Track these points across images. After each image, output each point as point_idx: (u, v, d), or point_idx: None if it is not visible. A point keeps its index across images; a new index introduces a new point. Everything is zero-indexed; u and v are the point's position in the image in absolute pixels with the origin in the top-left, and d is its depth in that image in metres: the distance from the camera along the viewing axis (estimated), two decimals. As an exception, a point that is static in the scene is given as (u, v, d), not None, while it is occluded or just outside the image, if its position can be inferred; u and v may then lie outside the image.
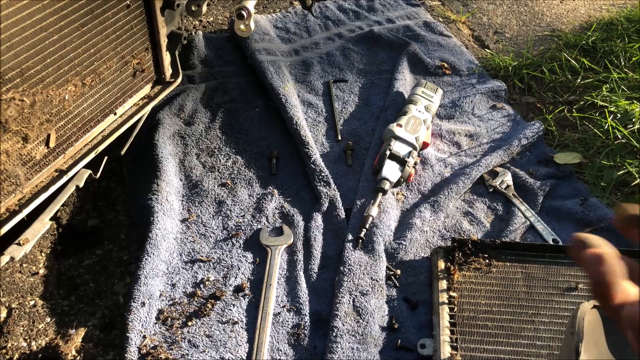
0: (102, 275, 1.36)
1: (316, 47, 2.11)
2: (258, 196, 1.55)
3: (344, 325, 1.22)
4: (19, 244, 1.04)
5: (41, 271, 1.34)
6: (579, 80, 1.95)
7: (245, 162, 1.64)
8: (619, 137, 1.69)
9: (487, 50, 2.17)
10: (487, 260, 1.34)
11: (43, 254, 1.36)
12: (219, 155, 1.66)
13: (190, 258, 1.38)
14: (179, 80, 1.35)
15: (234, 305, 1.27)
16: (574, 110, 1.85)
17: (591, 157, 1.68)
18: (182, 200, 1.52)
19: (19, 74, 0.95)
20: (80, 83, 1.09)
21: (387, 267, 1.37)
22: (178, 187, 1.55)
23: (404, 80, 1.93)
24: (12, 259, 1.02)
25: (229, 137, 1.72)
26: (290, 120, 1.71)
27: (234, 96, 1.86)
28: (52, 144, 1.07)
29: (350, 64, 2.03)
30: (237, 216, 1.49)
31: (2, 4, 0.88)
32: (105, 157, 1.22)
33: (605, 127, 1.72)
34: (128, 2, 1.15)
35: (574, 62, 2.01)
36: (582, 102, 1.87)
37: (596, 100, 1.84)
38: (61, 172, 1.10)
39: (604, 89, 1.87)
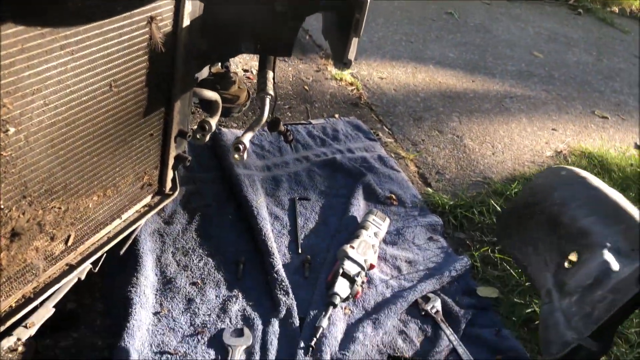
0: (77, 358, 1.49)
1: (286, 166, 2.42)
2: (224, 297, 1.75)
3: None
4: (25, 327, 1.20)
5: (20, 348, 1.46)
6: (501, 225, 2.33)
7: (215, 265, 1.86)
8: (529, 279, 2.04)
9: (429, 187, 2.54)
10: (415, 377, 1.59)
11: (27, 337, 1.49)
12: (193, 256, 1.86)
13: (159, 349, 1.54)
14: (177, 193, 1.59)
15: (196, 398, 1.43)
16: (496, 250, 2.20)
17: (507, 293, 2.01)
18: (156, 294, 1.70)
19: (62, 188, 1.17)
20: (102, 194, 1.31)
21: (331, 375, 1.58)
22: (154, 281, 1.73)
23: (358, 206, 2.24)
24: (18, 339, 1.17)
25: (202, 239, 1.94)
26: (260, 232, 1.95)
27: (209, 202, 2.11)
28: (70, 243, 1.27)
29: (314, 185, 2.34)
30: (203, 314, 1.68)
31: (67, 136, 1.12)
32: (105, 254, 1.42)
33: (519, 270, 2.07)
34: (152, 132, 1.41)
35: (499, 208, 2.40)
36: (502, 244, 2.24)
37: (514, 245, 2.20)
38: (71, 267, 1.29)
39: (520, 235, 2.25)
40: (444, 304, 1.90)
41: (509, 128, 3.21)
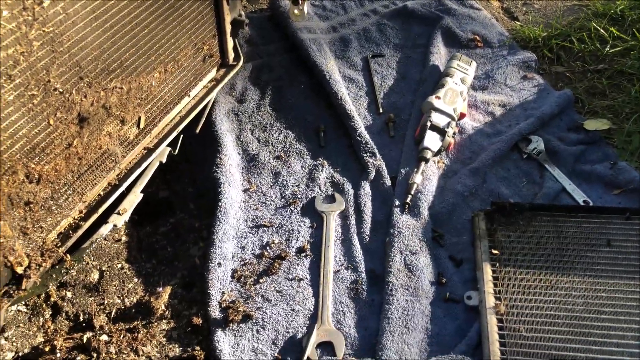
0: (177, 240, 1.52)
1: (353, 23, 2.21)
2: (310, 167, 1.68)
3: (397, 280, 1.37)
4: (118, 214, 1.20)
5: (123, 238, 1.51)
6: (607, 49, 2.03)
7: (295, 136, 1.78)
8: (647, 103, 1.79)
9: (517, 22, 2.25)
10: (524, 221, 1.48)
11: (123, 223, 1.52)
12: (271, 130, 1.79)
13: (255, 224, 1.53)
14: (241, 63, 1.48)
15: (297, 264, 1.43)
16: (603, 78, 1.94)
17: (620, 123, 1.79)
18: (242, 172, 1.67)
19: (119, 66, 1.09)
20: (163, 70, 1.23)
21: (432, 229, 1.51)
22: (237, 160, 1.69)
23: (439, 54, 2.03)
24: (114, 226, 1.18)
25: (278, 113, 1.85)
26: (335, 96, 1.83)
27: (280, 74, 1.99)
28: (142, 125, 1.22)
29: (387, 39, 2.13)
30: (292, 186, 1.63)
31: (109, 5, 1.02)
32: (182, 135, 1.36)
33: (634, 94, 1.82)
34: (200, -6, 1.27)
35: (602, 31, 2.09)
36: (610, 70, 1.96)
37: (625, 68, 1.92)
38: (149, 150, 1.25)
39: (632, 56, 1.95)
40: (546, 143, 1.73)
41: (607, -62, 2.71)
